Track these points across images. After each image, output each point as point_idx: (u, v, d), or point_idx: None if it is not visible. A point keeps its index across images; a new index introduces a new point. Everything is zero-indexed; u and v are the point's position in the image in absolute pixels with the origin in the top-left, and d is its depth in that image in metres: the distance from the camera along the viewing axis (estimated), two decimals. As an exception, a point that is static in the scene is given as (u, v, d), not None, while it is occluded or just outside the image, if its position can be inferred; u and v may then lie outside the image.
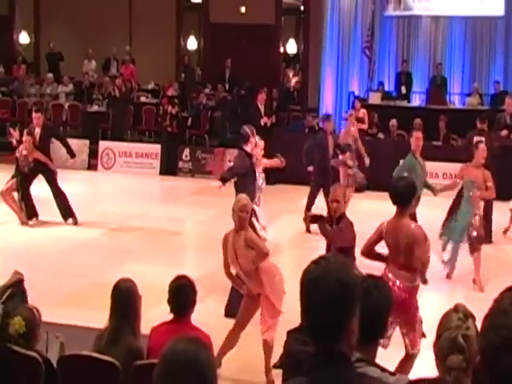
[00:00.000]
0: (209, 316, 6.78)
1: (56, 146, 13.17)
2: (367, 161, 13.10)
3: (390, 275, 6.21)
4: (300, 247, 11.15)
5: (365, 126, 14.89)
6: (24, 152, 11.78)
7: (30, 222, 11.99)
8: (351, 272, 2.46)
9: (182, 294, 5.07)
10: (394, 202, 6.32)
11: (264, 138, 15.83)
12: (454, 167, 12.43)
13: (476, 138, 11.86)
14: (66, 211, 12.07)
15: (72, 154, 12.97)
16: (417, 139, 10.09)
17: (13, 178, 11.96)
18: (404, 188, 6.33)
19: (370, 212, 13.01)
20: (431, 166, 14.89)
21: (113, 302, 4.87)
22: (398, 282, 6.17)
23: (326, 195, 10.43)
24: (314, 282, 2.43)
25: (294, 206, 13.03)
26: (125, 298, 4.82)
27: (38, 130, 12.03)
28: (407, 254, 6.20)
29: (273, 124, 16.51)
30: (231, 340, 6.66)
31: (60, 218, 12.08)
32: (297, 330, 3.80)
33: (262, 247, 6.68)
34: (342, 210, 7.10)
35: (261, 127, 16.17)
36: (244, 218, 6.68)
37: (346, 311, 2.41)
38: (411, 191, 6.33)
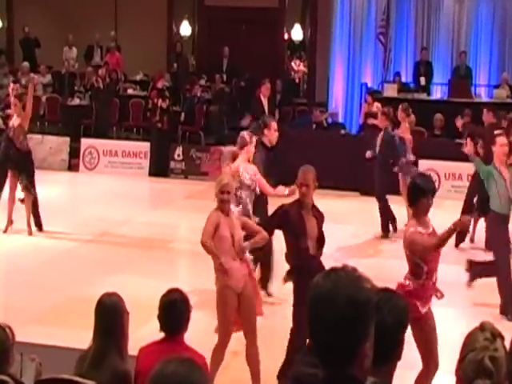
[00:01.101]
0: (204, 335, 6.77)
1: (33, 143, 13.16)
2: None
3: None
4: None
5: (378, 122, 14.85)
6: (16, 122, 11.80)
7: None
8: (364, 287, 2.41)
9: (175, 309, 5.06)
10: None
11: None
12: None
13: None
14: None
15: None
16: (502, 146, 8.94)
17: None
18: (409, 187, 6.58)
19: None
20: (455, 166, 14.96)
21: (96, 319, 4.87)
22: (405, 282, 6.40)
23: None
24: (322, 299, 2.39)
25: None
26: (110, 315, 4.82)
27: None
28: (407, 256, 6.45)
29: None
30: (217, 355, 6.70)
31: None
32: (304, 351, 3.78)
33: (260, 229, 6.93)
34: (311, 196, 7.09)
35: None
36: (226, 200, 6.73)
37: (357, 333, 2.37)
38: (416, 190, 6.38)
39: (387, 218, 12.41)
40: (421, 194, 6.36)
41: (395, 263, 8.40)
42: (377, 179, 12.62)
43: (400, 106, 13.74)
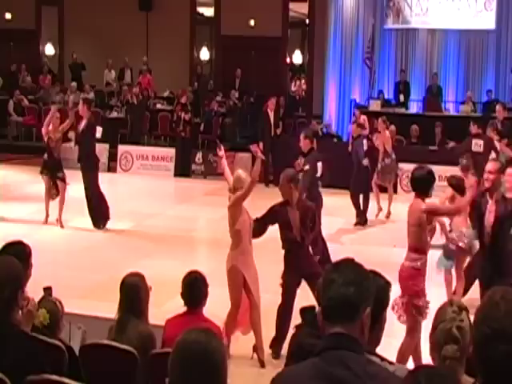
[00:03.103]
0: (219, 308, 6.78)
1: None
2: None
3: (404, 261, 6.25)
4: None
5: (366, 132, 14.83)
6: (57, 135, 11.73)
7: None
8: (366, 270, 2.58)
9: (195, 287, 5.07)
10: (412, 189, 6.31)
11: (274, 148, 16.03)
12: (449, 170, 12.40)
13: (474, 141, 11.79)
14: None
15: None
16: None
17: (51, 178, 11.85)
18: (419, 176, 6.23)
19: (372, 213, 13.00)
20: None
21: (121, 296, 4.88)
22: (405, 263, 6.19)
23: None
24: (335, 266, 2.53)
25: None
26: (131, 292, 4.81)
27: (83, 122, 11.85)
28: (409, 232, 6.20)
29: (280, 133, 16.61)
30: (230, 319, 6.73)
31: (82, 217, 12.10)
32: (306, 325, 3.75)
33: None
34: (291, 194, 7.10)
35: (271, 138, 16.22)
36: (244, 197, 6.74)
37: (361, 292, 2.44)
38: (426, 180, 6.20)
39: (359, 209, 12.43)
40: (427, 185, 6.20)
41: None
42: (352, 178, 12.57)
43: (380, 119, 13.66)
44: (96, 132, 12.16)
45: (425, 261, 6.17)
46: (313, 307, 3.55)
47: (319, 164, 9.53)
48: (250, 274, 6.73)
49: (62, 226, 11.81)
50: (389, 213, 12.92)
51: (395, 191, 14.02)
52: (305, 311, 3.86)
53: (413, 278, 6.09)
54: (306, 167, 9.28)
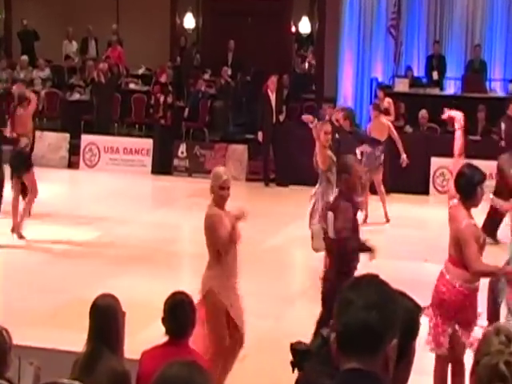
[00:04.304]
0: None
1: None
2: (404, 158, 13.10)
3: (446, 276, 6.28)
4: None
5: (391, 118, 14.86)
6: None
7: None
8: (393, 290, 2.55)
9: (180, 312, 5.06)
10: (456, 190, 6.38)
11: (276, 135, 16.08)
12: (496, 165, 12.42)
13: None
14: None
15: None
16: None
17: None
18: (466, 177, 6.30)
19: (395, 218, 13.00)
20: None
21: (91, 322, 4.87)
22: (457, 285, 6.22)
23: None
24: (354, 285, 2.51)
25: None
26: (104, 318, 4.81)
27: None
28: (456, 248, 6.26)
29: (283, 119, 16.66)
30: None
31: (38, 225, 12.09)
32: (312, 357, 3.71)
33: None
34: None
35: (272, 126, 16.25)
36: (227, 196, 6.73)
37: (386, 318, 2.42)
38: (470, 183, 6.27)
39: None
40: (471, 189, 6.26)
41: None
42: None
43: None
44: None
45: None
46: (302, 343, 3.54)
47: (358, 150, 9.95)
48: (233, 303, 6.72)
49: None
50: (386, 215, 13.13)
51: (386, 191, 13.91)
52: (297, 350, 3.79)
53: (465, 302, 6.19)
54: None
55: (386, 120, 13.78)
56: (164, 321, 5.10)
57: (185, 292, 5.23)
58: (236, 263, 6.75)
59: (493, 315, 8.06)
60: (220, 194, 6.70)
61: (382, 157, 13.26)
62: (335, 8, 20.00)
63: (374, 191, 13.20)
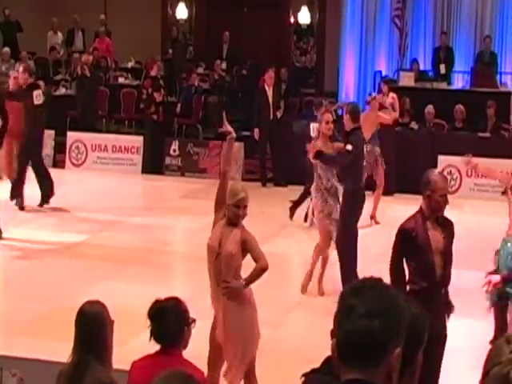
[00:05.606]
0: (203, 347, 6.77)
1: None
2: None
3: None
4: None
5: (395, 114, 14.87)
6: None
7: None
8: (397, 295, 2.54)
9: (164, 320, 5.05)
10: None
11: (273, 132, 16.11)
12: (507, 164, 12.44)
13: None
14: None
15: None
16: None
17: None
18: None
19: (400, 220, 12.98)
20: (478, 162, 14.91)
21: (77, 331, 4.86)
22: None
23: None
24: (356, 290, 2.49)
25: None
26: (91, 326, 4.80)
27: None
28: None
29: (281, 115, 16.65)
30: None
31: (22, 225, 12.09)
32: (317, 372, 3.72)
33: (263, 257, 6.48)
34: None
35: (269, 122, 16.25)
36: (239, 215, 6.52)
37: (389, 326, 2.41)
38: None
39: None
40: None
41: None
42: None
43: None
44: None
45: None
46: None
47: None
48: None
49: None
50: (372, 216, 13.22)
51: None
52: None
53: None
54: (349, 147, 9.73)
55: (381, 117, 13.73)
56: (153, 329, 5.10)
57: (175, 297, 5.21)
58: (218, 274, 6.67)
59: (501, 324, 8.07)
60: (235, 213, 6.50)
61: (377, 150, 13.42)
62: (336, -3, 20.07)
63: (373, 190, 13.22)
